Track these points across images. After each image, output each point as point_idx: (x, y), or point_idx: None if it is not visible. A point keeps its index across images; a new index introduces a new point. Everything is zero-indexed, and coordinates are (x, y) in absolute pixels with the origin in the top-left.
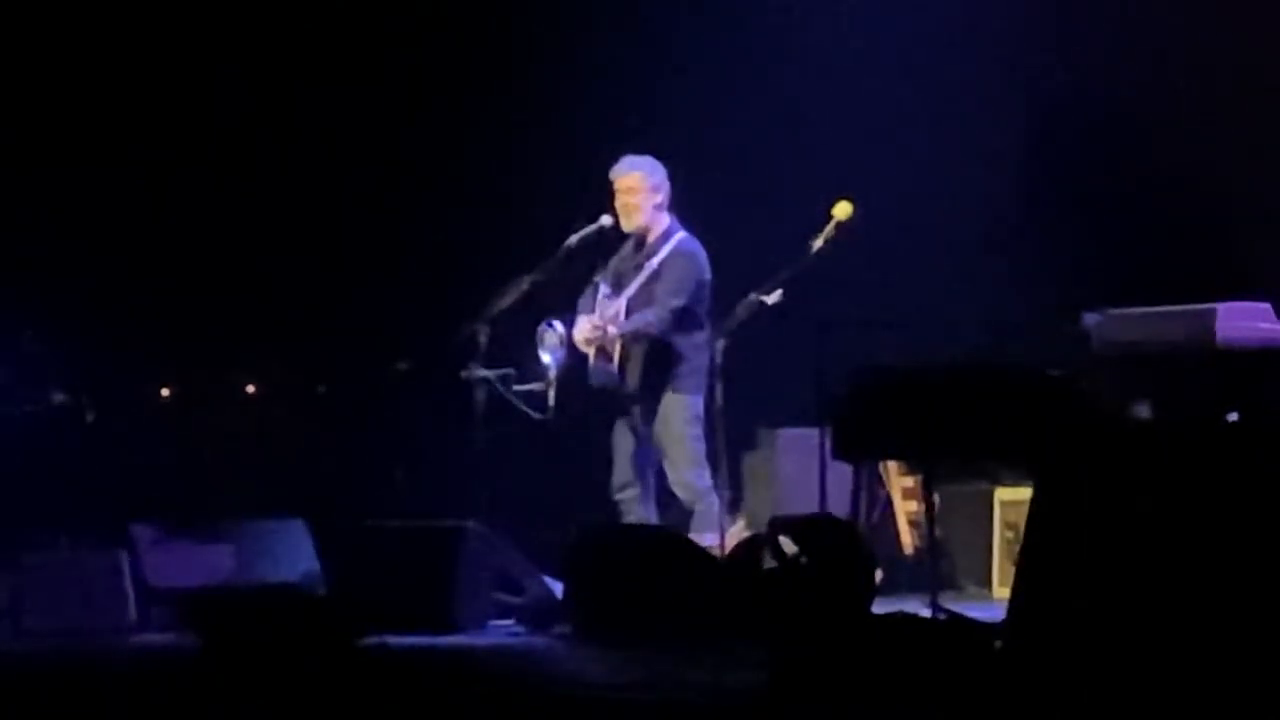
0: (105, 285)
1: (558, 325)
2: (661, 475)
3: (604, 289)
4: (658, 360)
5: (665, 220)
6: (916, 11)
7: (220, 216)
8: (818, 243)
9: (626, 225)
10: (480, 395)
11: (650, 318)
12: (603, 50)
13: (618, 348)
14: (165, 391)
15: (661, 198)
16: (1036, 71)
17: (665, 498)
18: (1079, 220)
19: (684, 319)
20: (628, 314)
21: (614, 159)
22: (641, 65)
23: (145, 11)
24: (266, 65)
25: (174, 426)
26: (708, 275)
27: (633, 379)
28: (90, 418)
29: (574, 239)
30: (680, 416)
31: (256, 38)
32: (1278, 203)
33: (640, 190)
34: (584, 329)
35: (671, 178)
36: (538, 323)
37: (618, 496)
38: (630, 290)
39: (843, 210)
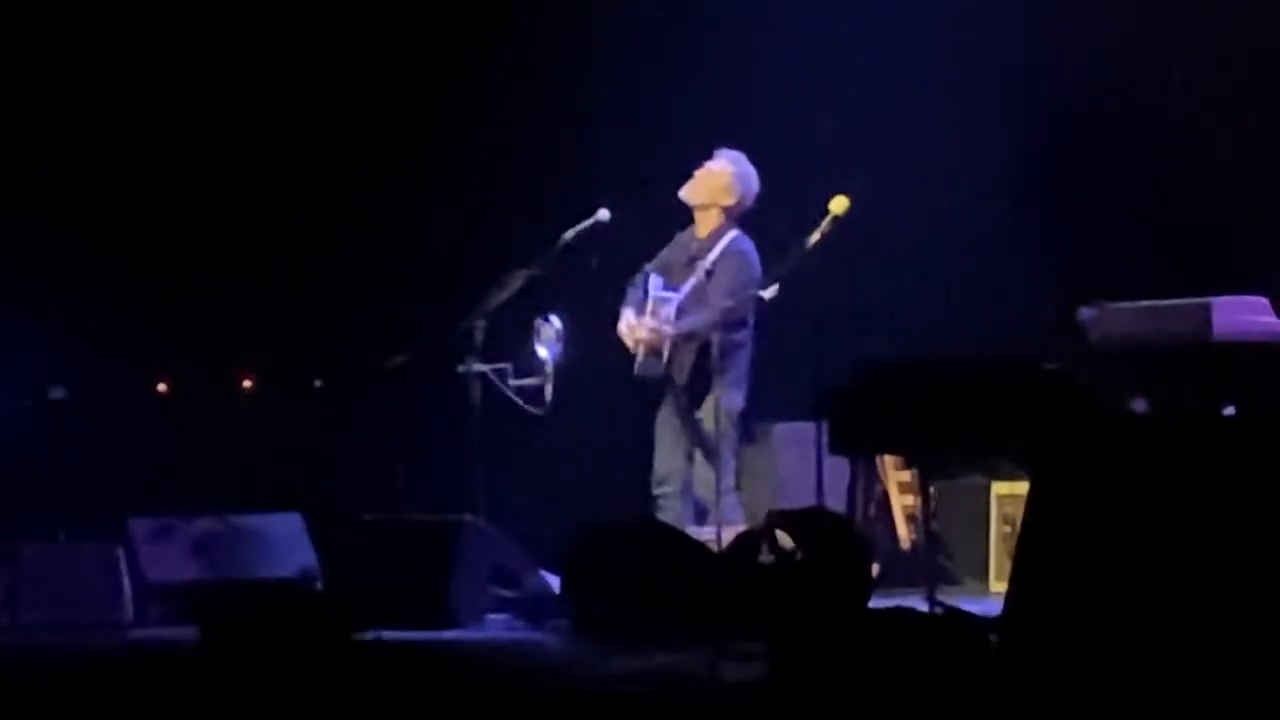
0: (102, 280)
1: (554, 319)
2: None
3: (655, 281)
4: (705, 359)
5: (721, 219)
6: (914, 5)
7: (215, 211)
8: (814, 237)
9: (681, 191)
10: (477, 389)
11: (703, 320)
12: (599, 45)
13: (668, 347)
14: (162, 386)
15: (730, 201)
16: (1033, 65)
17: None
18: (1075, 214)
19: (733, 319)
20: (679, 314)
21: (611, 152)
22: (637, 60)
23: (151, 8)
24: (263, 60)
25: (170, 421)
26: (758, 274)
27: (680, 377)
28: (87, 412)
29: (570, 233)
30: (721, 416)
31: (255, 32)
32: (1274, 196)
33: (712, 181)
34: (634, 326)
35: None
36: (534, 317)
37: (657, 491)
38: (682, 293)
39: (839, 205)
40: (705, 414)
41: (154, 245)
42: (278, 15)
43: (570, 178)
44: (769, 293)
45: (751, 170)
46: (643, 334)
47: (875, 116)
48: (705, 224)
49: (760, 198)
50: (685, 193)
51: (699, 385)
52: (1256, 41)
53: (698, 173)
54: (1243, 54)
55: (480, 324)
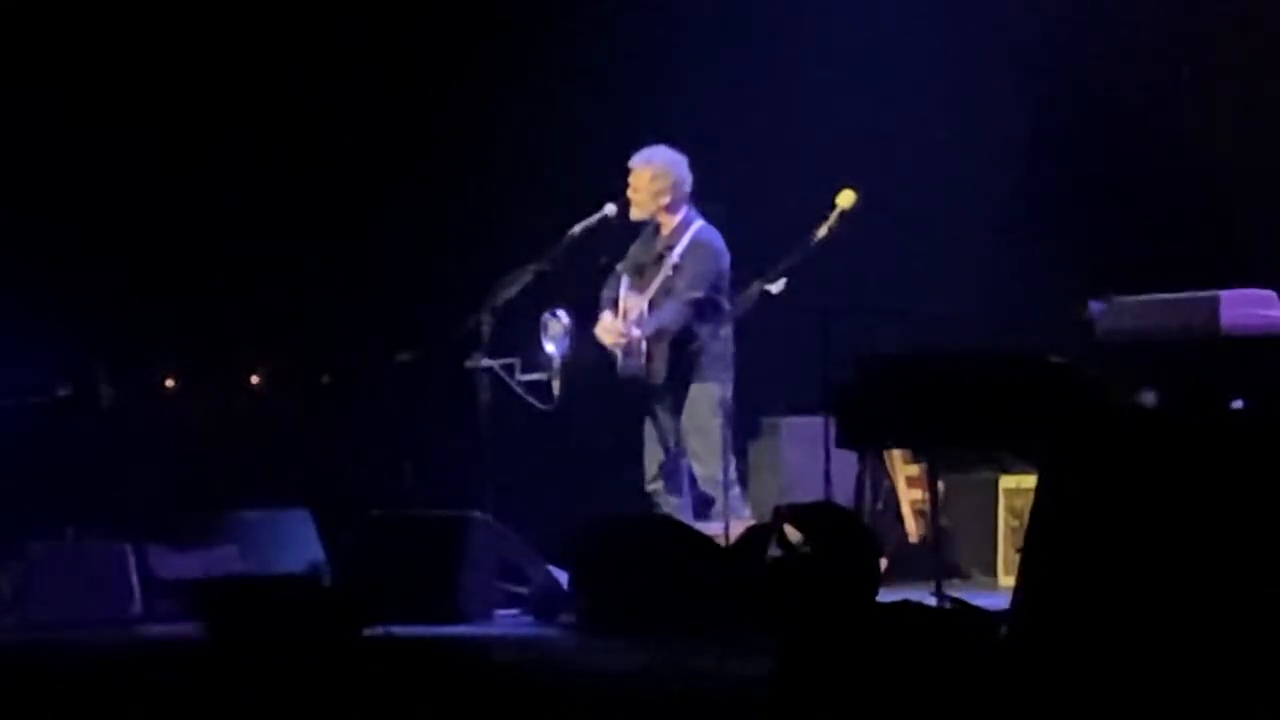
0: (109, 277)
1: (561, 315)
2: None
3: (625, 281)
4: (682, 352)
5: (681, 212)
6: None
7: (224, 206)
8: (821, 231)
9: (632, 215)
10: (484, 385)
11: (671, 314)
12: (607, 38)
13: (643, 347)
14: (170, 382)
15: (670, 197)
16: (1040, 59)
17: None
18: (1083, 207)
19: (705, 308)
20: (650, 310)
21: (617, 147)
22: (645, 53)
23: (157, 7)
24: (273, 56)
25: (179, 417)
26: (727, 263)
27: (659, 374)
28: (95, 408)
29: (577, 228)
30: (705, 407)
31: (260, 29)
32: None
33: (643, 189)
34: (607, 328)
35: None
36: (541, 312)
37: (650, 488)
38: (652, 287)
39: (846, 198)
40: (688, 408)
41: (161, 241)
42: (283, 10)
43: (577, 173)
44: (776, 287)
45: (666, 154)
46: (612, 338)
47: (883, 110)
48: (666, 224)
49: (769, 192)
50: (635, 215)
51: (679, 382)
52: (1265, 34)
53: (629, 194)
54: (1251, 47)
55: (488, 319)
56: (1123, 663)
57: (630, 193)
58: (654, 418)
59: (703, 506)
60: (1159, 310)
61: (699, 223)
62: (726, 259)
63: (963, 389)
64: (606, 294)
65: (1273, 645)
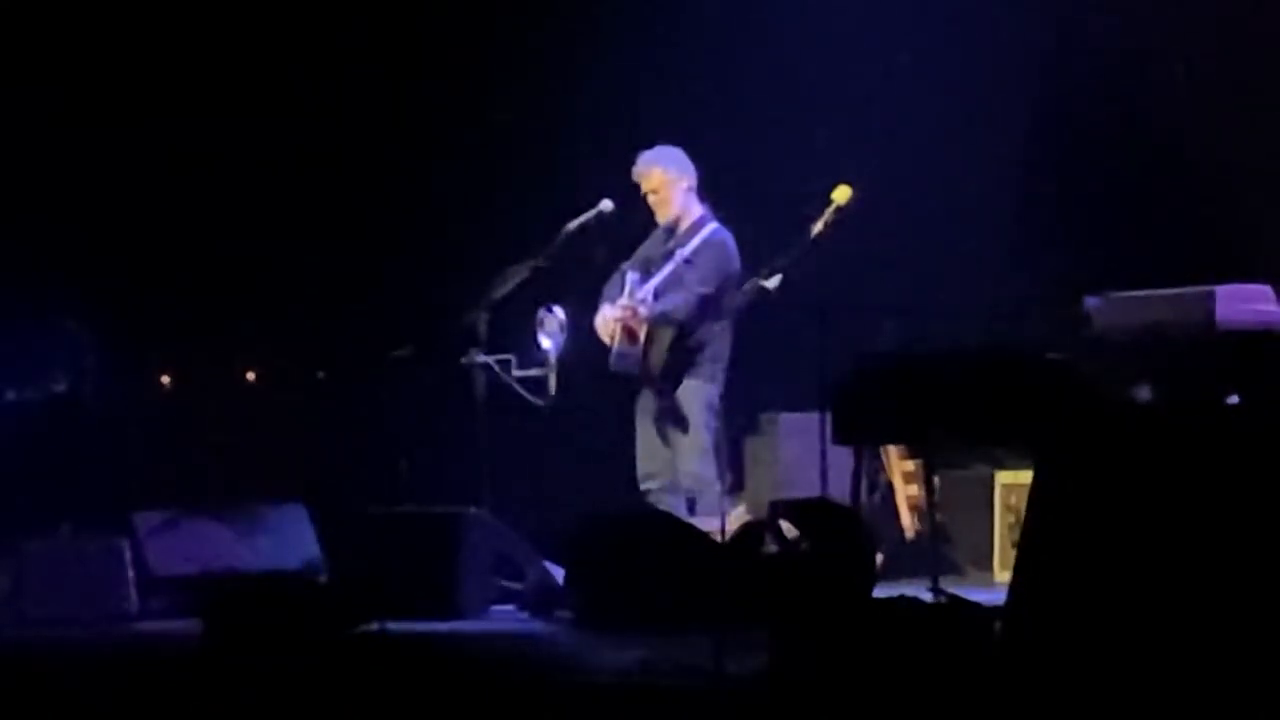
0: (105, 272)
1: (558, 310)
2: None
3: (632, 275)
4: (681, 346)
5: (697, 209)
6: None
7: (219, 204)
8: (817, 227)
9: (661, 219)
10: (480, 381)
11: (678, 302)
12: (603, 36)
13: (644, 330)
14: (165, 379)
15: (688, 183)
16: (1036, 55)
17: None
18: (1079, 203)
19: (709, 308)
20: (655, 299)
21: (615, 145)
22: (641, 50)
23: (157, 7)
24: (264, 52)
25: (174, 413)
26: (736, 266)
27: (656, 363)
28: (91, 404)
29: (573, 224)
30: (696, 404)
31: (255, 24)
32: (1277, 184)
33: (665, 185)
34: (608, 313)
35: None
36: (537, 308)
37: (644, 486)
38: (659, 277)
39: (842, 194)
40: (681, 403)
41: (157, 237)
42: (283, 9)
43: (573, 169)
44: (772, 283)
45: (672, 151)
46: (618, 314)
47: (879, 106)
48: (682, 219)
49: (765, 188)
50: (664, 218)
51: (675, 373)
52: (1260, 30)
53: (650, 202)
54: (1246, 43)
55: (484, 315)
56: (1118, 658)
57: (652, 197)
58: (648, 413)
59: (692, 503)
60: (1154, 306)
61: (713, 223)
62: (737, 263)
63: (959, 385)
64: (608, 291)
65: (1270, 641)
